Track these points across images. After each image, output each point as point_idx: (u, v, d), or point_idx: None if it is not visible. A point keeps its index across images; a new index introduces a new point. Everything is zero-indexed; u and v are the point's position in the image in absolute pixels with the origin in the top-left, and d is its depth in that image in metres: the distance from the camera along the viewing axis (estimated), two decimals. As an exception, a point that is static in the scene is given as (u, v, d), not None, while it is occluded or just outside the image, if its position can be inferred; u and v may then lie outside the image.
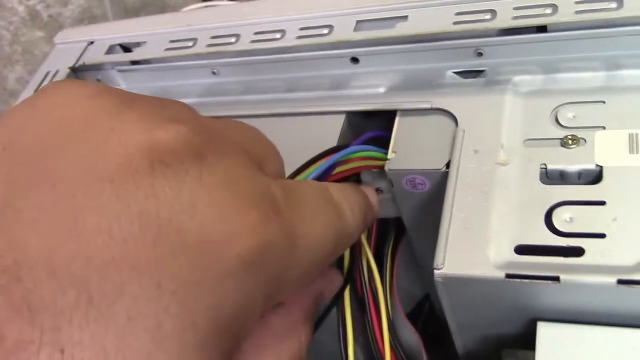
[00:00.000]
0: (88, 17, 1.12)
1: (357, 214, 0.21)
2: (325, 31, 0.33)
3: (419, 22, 0.31)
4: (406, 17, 0.31)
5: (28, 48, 1.15)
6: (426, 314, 0.34)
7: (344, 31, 0.32)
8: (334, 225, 0.19)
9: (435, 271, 0.23)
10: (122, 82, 0.38)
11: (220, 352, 0.15)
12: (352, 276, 0.27)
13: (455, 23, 0.30)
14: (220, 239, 0.15)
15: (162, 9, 1.14)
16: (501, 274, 0.22)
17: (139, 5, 1.12)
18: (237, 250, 0.15)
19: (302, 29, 0.33)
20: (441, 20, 0.30)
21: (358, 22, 0.32)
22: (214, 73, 0.35)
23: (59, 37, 0.41)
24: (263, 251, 0.15)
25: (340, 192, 0.21)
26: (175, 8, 1.12)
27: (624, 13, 0.27)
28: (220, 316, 0.15)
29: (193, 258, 0.14)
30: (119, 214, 0.14)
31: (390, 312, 0.28)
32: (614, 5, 0.27)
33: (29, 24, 1.12)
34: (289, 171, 0.25)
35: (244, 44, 0.34)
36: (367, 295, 0.27)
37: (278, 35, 0.34)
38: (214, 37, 0.35)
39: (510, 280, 0.22)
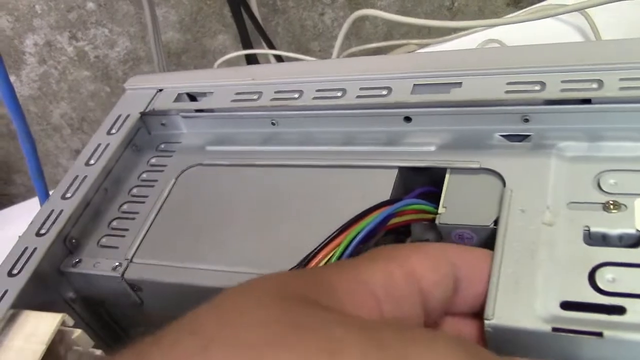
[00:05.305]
0: (133, 59, 1.16)
1: None
2: (384, 92, 0.34)
3: (473, 89, 0.32)
4: (460, 83, 0.32)
5: (74, 86, 1.19)
6: None
7: (402, 93, 0.33)
8: None
9: (486, 321, 0.23)
10: (184, 127, 0.40)
11: None
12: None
13: (507, 92, 0.31)
14: None
15: (203, 54, 1.18)
16: (548, 327, 0.23)
17: (180, 49, 1.16)
18: None
19: (362, 89, 0.34)
20: (493, 88, 0.31)
21: (415, 85, 0.33)
22: (273, 124, 0.37)
23: (129, 83, 0.42)
24: None
25: None
26: (215, 54, 1.16)
27: (666, 92, 0.28)
28: None
29: None
30: None
31: None
32: (656, 84, 0.28)
33: (77, 64, 1.16)
34: (344, 220, 0.27)
35: (306, 100, 0.35)
36: None
37: (339, 94, 0.35)
38: (278, 92, 0.36)
39: (557, 333, 0.22)
